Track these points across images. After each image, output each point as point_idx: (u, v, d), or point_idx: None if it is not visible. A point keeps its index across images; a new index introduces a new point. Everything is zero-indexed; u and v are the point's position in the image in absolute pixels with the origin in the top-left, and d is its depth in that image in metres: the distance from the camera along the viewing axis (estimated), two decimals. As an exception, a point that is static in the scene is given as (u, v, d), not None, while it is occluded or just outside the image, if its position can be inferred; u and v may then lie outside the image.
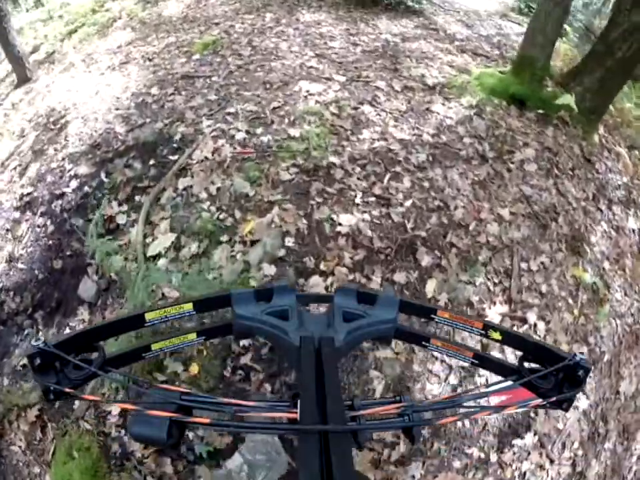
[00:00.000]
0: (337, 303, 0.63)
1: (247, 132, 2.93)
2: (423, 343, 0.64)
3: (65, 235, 2.77)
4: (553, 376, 0.55)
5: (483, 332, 0.61)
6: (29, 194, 3.05)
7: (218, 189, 2.58)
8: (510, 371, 0.59)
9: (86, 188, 2.86)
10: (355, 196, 2.57)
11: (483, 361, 0.62)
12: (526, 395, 0.56)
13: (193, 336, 0.61)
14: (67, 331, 2.46)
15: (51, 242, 2.79)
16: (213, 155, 2.78)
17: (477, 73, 3.73)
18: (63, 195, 2.90)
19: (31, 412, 2.21)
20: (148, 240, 2.40)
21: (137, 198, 2.69)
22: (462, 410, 0.58)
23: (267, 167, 2.68)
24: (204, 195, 2.56)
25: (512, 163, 3.07)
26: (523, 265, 2.58)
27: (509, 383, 0.57)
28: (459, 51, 4.25)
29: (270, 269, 2.20)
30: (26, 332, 2.60)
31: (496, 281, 2.46)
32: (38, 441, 2.16)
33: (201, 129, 3.00)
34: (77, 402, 2.08)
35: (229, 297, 0.61)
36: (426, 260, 2.38)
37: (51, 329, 2.53)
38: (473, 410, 0.58)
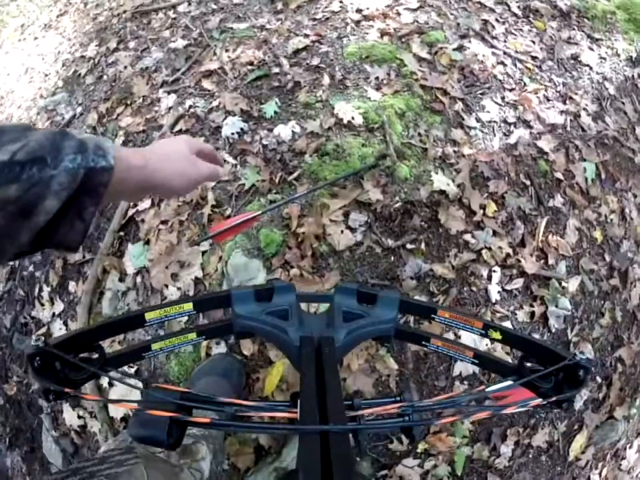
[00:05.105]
0: (337, 302, 0.63)
1: (245, 115, 1.61)
2: (423, 342, 0.64)
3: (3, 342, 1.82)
4: (553, 376, 0.55)
5: (483, 331, 0.61)
6: None
7: (197, 281, 1.40)
8: (510, 370, 0.59)
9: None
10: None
11: (483, 360, 0.62)
12: (526, 394, 0.56)
13: (193, 335, 0.62)
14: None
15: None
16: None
17: (619, -3, 2.27)
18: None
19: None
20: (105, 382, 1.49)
21: (70, 286, 1.64)
22: (462, 409, 0.58)
23: (296, 218, 1.39)
24: (171, 292, 1.42)
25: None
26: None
27: (509, 382, 0.57)
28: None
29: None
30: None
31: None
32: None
33: (156, 114, 1.75)
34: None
35: (229, 297, 0.62)
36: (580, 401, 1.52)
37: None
38: (472, 410, 0.58)
